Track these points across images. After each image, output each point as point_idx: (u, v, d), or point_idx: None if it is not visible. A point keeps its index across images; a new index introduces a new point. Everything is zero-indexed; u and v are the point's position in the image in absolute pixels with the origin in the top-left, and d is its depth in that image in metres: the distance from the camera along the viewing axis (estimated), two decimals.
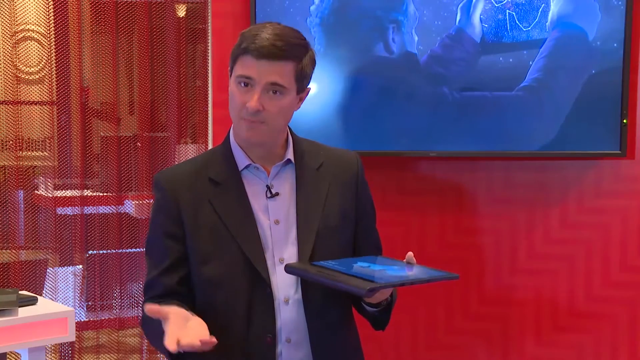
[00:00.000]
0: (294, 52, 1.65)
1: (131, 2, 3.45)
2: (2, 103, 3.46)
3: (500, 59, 2.81)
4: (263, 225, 1.70)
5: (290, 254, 1.70)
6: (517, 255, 2.99)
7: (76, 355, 3.54)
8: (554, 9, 2.79)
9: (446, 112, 2.82)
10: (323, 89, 2.79)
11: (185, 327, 1.53)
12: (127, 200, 3.56)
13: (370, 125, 2.81)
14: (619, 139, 2.82)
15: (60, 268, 3.52)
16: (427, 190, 2.96)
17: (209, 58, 3.19)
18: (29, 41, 3.65)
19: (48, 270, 3.51)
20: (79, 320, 3.48)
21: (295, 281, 1.70)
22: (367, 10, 2.80)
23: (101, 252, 3.56)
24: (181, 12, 3.74)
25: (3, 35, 3.47)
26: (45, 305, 2.51)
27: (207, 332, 1.52)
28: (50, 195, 3.50)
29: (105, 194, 3.55)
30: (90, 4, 3.48)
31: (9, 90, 3.44)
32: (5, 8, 3.43)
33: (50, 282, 3.48)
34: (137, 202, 3.53)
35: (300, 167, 1.75)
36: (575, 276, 3.03)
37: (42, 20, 3.53)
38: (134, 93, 3.66)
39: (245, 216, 1.70)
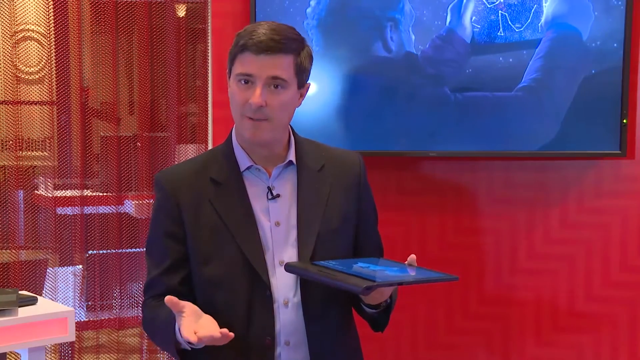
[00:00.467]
0: (291, 45, 1.65)
1: (131, 2, 3.45)
2: (2, 103, 3.46)
3: (500, 59, 2.80)
4: (264, 226, 1.70)
5: (290, 256, 1.69)
6: (517, 255, 2.99)
7: (76, 355, 3.54)
8: (547, 9, 2.78)
9: (446, 112, 2.82)
10: (323, 89, 2.79)
11: (198, 323, 1.55)
12: (127, 200, 3.56)
13: (370, 125, 2.81)
14: (618, 139, 2.82)
15: (60, 268, 3.52)
16: (427, 190, 2.96)
17: (209, 58, 3.19)
18: (29, 41, 3.65)
19: (48, 270, 3.51)
20: (78, 320, 3.48)
21: (294, 284, 1.69)
22: (364, 10, 2.80)
23: (101, 252, 3.55)
24: (181, 12, 3.74)
25: (3, 35, 3.47)
26: (45, 305, 2.51)
27: (218, 329, 1.54)
28: (50, 195, 3.50)
29: (105, 194, 3.55)
30: (90, 4, 3.48)
31: (9, 90, 3.44)
32: (5, 8, 3.43)
33: (50, 282, 3.48)
34: (137, 202, 3.53)
35: (301, 169, 1.74)
36: (575, 276, 3.03)
37: (42, 20, 3.53)
38: (133, 93, 3.66)
39: (246, 217, 1.69)
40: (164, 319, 1.64)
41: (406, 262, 1.66)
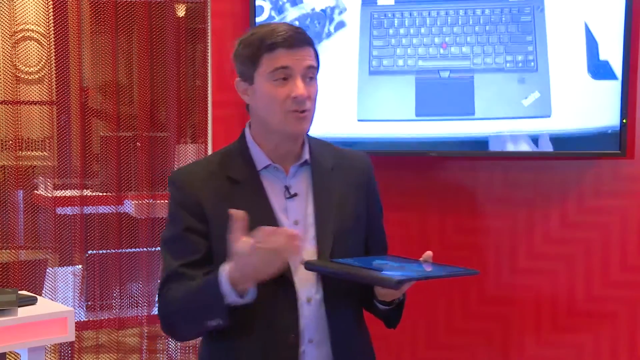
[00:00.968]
0: (310, 38, 1.70)
1: (131, 2, 3.45)
2: (1, 103, 3.46)
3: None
4: (283, 225, 1.70)
5: (310, 254, 1.71)
6: (517, 255, 2.99)
7: (76, 355, 3.54)
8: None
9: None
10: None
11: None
12: (126, 200, 3.56)
13: None
14: (618, 138, 2.82)
15: (59, 268, 3.52)
16: (427, 190, 2.96)
17: (209, 58, 3.19)
18: (29, 41, 3.65)
19: (48, 270, 3.51)
20: (78, 320, 3.47)
21: (315, 281, 1.71)
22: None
23: (101, 252, 3.55)
24: (181, 12, 3.74)
25: (3, 35, 3.47)
26: (44, 305, 2.51)
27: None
28: (50, 195, 3.50)
29: (104, 193, 3.55)
30: (90, 3, 3.48)
31: (9, 90, 3.44)
32: (5, 8, 3.43)
33: (49, 282, 3.48)
34: (137, 202, 3.53)
35: (315, 168, 1.76)
36: (575, 276, 3.03)
37: (42, 20, 3.53)
38: (133, 93, 3.66)
39: (267, 216, 1.70)
40: (200, 284, 1.63)
41: (421, 259, 1.69)
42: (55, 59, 3.49)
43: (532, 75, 2.55)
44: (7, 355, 3.44)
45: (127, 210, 3.58)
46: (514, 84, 2.54)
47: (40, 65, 3.62)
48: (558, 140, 2.71)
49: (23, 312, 2.40)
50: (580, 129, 2.64)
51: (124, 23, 3.46)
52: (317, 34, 2.52)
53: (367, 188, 1.83)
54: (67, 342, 3.37)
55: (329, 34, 2.60)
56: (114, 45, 3.49)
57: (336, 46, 2.57)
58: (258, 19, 2.74)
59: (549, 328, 3.04)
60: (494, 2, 2.40)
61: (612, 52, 2.65)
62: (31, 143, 3.59)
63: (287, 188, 1.73)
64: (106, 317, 3.56)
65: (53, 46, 3.48)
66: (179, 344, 3.73)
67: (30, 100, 3.53)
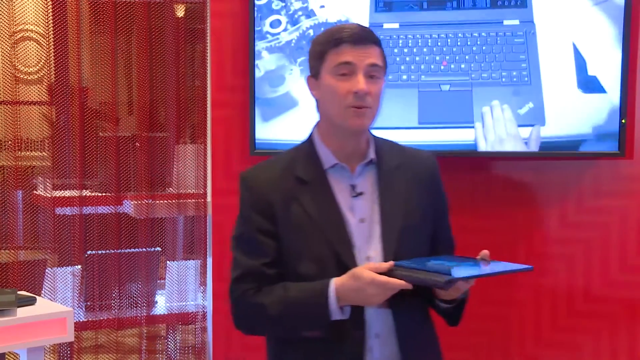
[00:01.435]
0: (377, 38, 1.73)
1: (130, 2, 3.45)
2: (0, 103, 3.45)
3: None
4: (350, 223, 1.74)
5: (376, 252, 1.74)
6: (517, 254, 2.99)
7: (75, 356, 3.53)
8: None
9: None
10: None
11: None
12: (125, 201, 3.56)
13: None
14: (617, 138, 2.82)
15: (59, 268, 3.52)
16: None
17: (208, 58, 3.19)
18: (28, 41, 3.65)
19: (47, 270, 3.50)
20: (77, 320, 3.47)
21: None
22: None
23: (100, 252, 3.55)
24: (180, 12, 3.74)
25: (2, 36, 3.46)
26: (43, 306, 2.50)
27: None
28: (49, 196, 3.49)
29: (104, 194, 3.54)
30: (89, 4, 3.48)
31: (8, 90, 3.44)
32: (4, 8, 3.42)
33: (49, 282, 3.48)
34: (136, 202, 3.53)
35: (381, 166, 1.79)
36: (574, 276, 3.03)
37: (41, 21, 3.52)
38: (132, 93, 3.66)
39: (334, 215, 1.74)
40: (302, 297, 1.69)
41: (478, 257, 1.72)
42: (54, 59, 3.49)
43: (526, 88, 2.69)
44: (6, 356, 3.44)
45: (126, 211, 3.58)
46: (510, 95, 2.70)
47: (39, 65, 3.62)
48: (551, 144, 2.79)
49: (22, 312, 2.40)
50: (572, 134, 2.77)
51: (123, 23, 3.46)
52: None
53: (432, 187, 1.85)
54: (66, 343, 3.37)
55: None
56: (113, 46, 3.48)
57: None
58: (274, 30, 2.75)
59: (548, 328, 3.04)
60: (490, 27, 2.57)
61: (600, 68, 2.76)
62: (30, 143, 3.58)
63: (353, 187, 1.76)
64: (105, 318, 3.56)
65: (52, 46, 3.48)
66: (178, 344, 3.73)
67: (29, 100, 3.53)
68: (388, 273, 1.63)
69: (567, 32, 2.73)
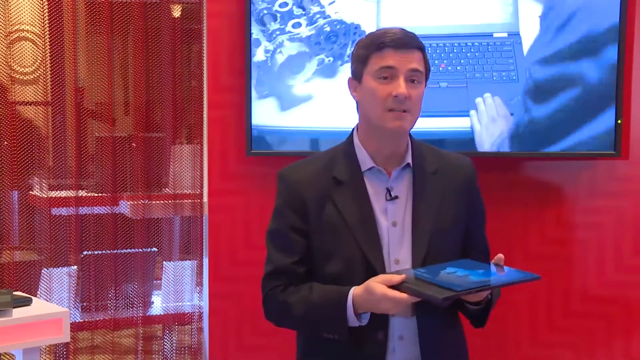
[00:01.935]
0: (421, 43, 1.76)
1: (126, 2, 3.45)
2: None
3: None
4: (382, 226, 1.77)
5: (405, 255, 1.76)
6: (513, 255, 2.99)
7: (71, 356, 3.53)
8: None
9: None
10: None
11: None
12: (122, 201, 3.55)
13: None
14: (613, 139, 2.83)
15: (54, 269, 3.51)
16: None
17: (204, 58, 3.19)
18: (24, 41, 3.64)
19: (43, 271, 3.50)
20: (73, 321, 3.47)
21: None
22: None
23: (96, 252, 3.54)
24: (176, 12, 3.73)
25: None
26: (39, 306, 2.50)
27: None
28: (45, 196, 3.49)
29: (100, 194, 3.54)
30: (85, 4, 3.47)
31: (3, 91, 3.43)
32: (0, 8, 3.42)
33: (44, 282, 3.47)
34: (132, 203, 3.52)
35: (417, 171, 1.81)
36: (570, 276, 3.03)
37: (37, 21, 3.52)
38: (129, 93, 3.65)
39: (367, 217, 1.76)
40: (324, 301, 1.72)
41: (492, 261, 1.73)
42: (50, 60, 3.48)
43: (515, 85, 2.86)
44: (2, 356, 3.43)
45: (122, 211, 3.57)
46: (500, 89, 2.86)
47: (35, 65, 3.61)
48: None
49: (18, 312, 2.40)
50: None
51: (120, 23, 3.45)
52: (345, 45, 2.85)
53: (468, 194, 1.87)
54: (62, 343, 3.36)
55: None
56: (109, 46, 3.48)
57: None
58: (295, 29, 2.83)
59: (544, 328, 3.05)
60: (481, 38, 2.81)
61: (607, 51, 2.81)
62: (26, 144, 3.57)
63: (388, 190, 1.79)
64: (101, 318, 3.56)
65: (48, 46, 3.47)
66: (174, 345, 3.72)
67: (25, 100, 3.52)
68: (398, 286, 1.64)
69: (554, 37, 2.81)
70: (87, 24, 3.56)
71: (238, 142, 3.02)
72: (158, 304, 3.70)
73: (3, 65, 3.46)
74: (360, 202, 1.78)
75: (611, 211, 3.00)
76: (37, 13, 3.50)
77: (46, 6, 3.42)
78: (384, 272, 1.73)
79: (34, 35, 3.62)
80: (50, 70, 3.47)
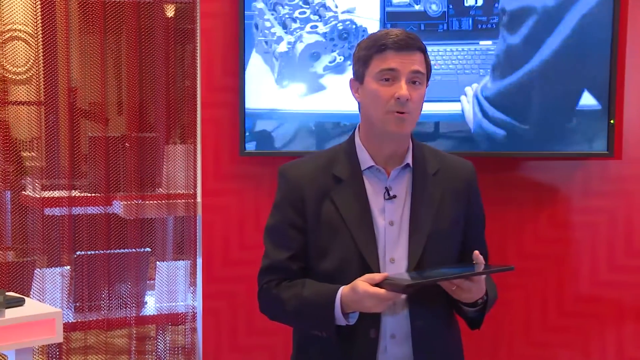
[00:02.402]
0: (422, 44, 1.76)
1: (119, 2, 3.44)
2: None
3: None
4: (378, 225, 1.78)
5: (401, 254, 1.77)
6: (507, 254, 3.00)
7: (64, 357, 3.52)
8: None
9: None
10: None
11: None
12: (115, 201, 3.54)
13: None
14: (606, 139, 2.84)
15: (47, 269, 3.50)
16: None
17: (198, 58, 3.18)
18: (16, 41, 3.63)
19: (35, 271, 3.49)
20: (66, 321, 3.46)
21: None
22: None
23: (89, 253, 3.54)
24: (170, 12, 3.73)
25: None
26: (32, 306, 2.49)
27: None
28: (38, 196, 3.47)
29: (93, 194, 3.53)
30: (78, 3, 3.46)
31: None
32: None
33: (37, 283, 3.46)
34: (126, 203, 3.51)
35: (417, 172, 1.82)
36: (563, 276, 3.04)
37: (29, 20, 3.51)
38: (122, 93, 3.64)
39: (364, 215, 1.78)
40: (314, 299, 1.74)
41: (474, 261, 1.73)
42: (43, 59, 3.47)
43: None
44: None
45: (115, 211, 3.57)
46: (488, 82, 2.90)
47: (27, 65, 3.60)
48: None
49: (11, 313, 2.39)
50: None
51: (113, 23, 3.44)
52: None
53: (468, 196, 1.87)
54: (55, 344, 3.35)
55: None
56: (102, 46, 3.47)
57: None
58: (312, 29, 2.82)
59: (538, 327, 3.05)
60: (469, 44, 2.84)
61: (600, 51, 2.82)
62: (19, 144, 3.56)
63: (387, 189, 1.79)
64: (95, 318, 3.55)
65: (41, 46, 3.46)
66: (167, 345, 3.72)
67: (18, 100, 3.51)
68: (380, 284, 1.66)
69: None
70: (80, 24, 3.55)
71: (232, 141, 3.02)
72: (151, 304, 3.69)
73: None
74: (358, 200, 1.79)
75: (604, 211, 3.01)
76: (29, 13, 3.49)
77: (39, 6, 3.41)
78: (378, 270, 1.74)
79: (27, 35, 3.61)
80: (43, 70, 3.46)
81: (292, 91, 2.90)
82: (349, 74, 1.86)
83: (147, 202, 3.54)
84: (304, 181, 1.82)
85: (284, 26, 2.86)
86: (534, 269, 3.03)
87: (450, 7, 2.76)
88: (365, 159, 1.82)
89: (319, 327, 1.76)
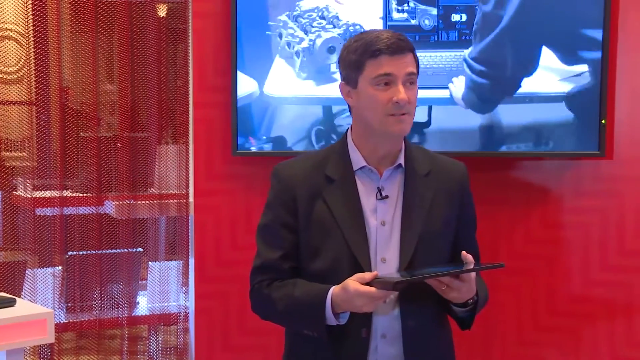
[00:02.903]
0: (411, 44, 1.79)
1: (111, 1, 3.43)
2: None
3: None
4: (370, 225, 1.79)
5: (392, 254, 1.78)
6: (498, 254, 3.00)
7: (55, 357, 3.51)
8: None
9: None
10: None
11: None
12: (107, 201, 3.54)
13: None
14: (597, 139, 2.85)
15: (39, 269, 3.49)
16: None
17: (190, 58, 3.18)
18: (7, 40, 3.62)
19: (27, 271, 3.48)
20: (58, 321, 3.45)
21: None
22: None
23: (81, 253, 3.53)
24: (162, 11, 3.72)
25: None
26: (24, 307, 2.48)
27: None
28: (29, 196, 3.46)
29: (85, 194, 3.52)
30: (70, 3, 3.45)
31: None
32: None
33: (29, 283, 3.45)
34: (117, 203, 3.51)
35: (409, 172, 1.83)
36: (555, 275, 3.05)
37: (21, 20, 3.50)
38: (114, 93, 3.63)
39: (355, 215, 1.79)
40: (305, 300, 1.75)
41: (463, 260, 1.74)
42: (34, 59, 3.46)
43: None
44: None
45: (107, 211, 3.56)
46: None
47: (19, 65, 3.59)
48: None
49: (2, 313, 2.38)
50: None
51: (104, 23, 3.43)
52: None
53: (459, 197, 1.88)
54: (46, 344, 3.34)
55: None
56: (94, 45, 3.46)
57: None
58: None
59: (530, 328, 3.06)
60: (455, 52, 2.98)
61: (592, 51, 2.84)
62: (10, 143, 3.55)
63: (379, 189, 1.80)
64: (86, 319, 3.54)
65: (32, 46, 3.45)
66: (160, 345, 3.71)
67: (9, 100, 3.50)
68: (370, 283, 1.67)
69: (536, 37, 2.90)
70: (72, 23, 3.54)
71: (224, 141, 3.02)
72: (143, 305, 3.69)
73: None
74: (350, 200, 1.80)
75: (596, 211, 3.02)
76: (21, 12, 3.48)
77: (30, 5, 3.40)
78: (370, 270, 1.75)
79: (18, 35, 3.59)
80: (35, 70, 3.45)
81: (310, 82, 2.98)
82: None
83: (139, 202, 3.53)
84: (296, 181, 1.83)
85: (305, 32, 2.95)
86: (525, 269, 3.04)
87: (440, 22, 2.93)
88: (357, 160, 1.83)
89: (309, 327, 1.76)
